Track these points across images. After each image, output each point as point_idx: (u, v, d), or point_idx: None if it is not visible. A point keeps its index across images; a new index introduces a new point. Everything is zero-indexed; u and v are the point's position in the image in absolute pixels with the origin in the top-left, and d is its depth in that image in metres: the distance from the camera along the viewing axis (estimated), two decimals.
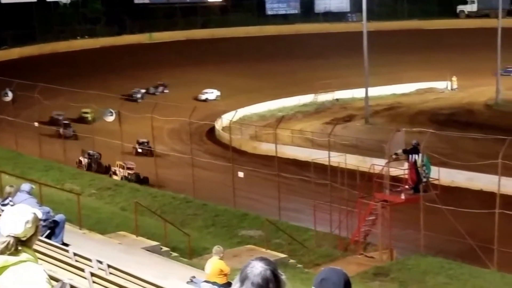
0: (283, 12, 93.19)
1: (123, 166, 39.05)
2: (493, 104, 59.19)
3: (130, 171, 38.72)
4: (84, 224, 21.15)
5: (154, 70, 66.14)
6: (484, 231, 25.24)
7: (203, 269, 15.46)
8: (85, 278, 9.05)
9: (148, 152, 42.43)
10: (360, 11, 59.54)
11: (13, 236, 3.84)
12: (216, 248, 14.94)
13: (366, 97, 55.36)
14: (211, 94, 62.77)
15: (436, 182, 26.75)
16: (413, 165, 25.86)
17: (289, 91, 62.10)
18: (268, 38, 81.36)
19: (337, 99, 64.33)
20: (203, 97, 61.97)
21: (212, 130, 51.23)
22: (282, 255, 23.40)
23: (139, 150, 43.78)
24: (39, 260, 4.49)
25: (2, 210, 11.80)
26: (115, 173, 38.84)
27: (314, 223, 28.70)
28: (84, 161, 40.45)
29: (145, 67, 66.90)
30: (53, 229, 13.61)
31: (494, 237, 23.89)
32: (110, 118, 42.93)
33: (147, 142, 43.22)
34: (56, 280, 7.55)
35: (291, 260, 23.90)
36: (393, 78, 64.85)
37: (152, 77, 64.34)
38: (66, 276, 8.84)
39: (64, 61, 68.46)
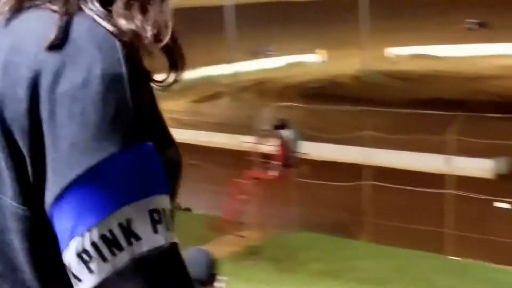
0: None
1: None
2: (361, 76, 59.92)
3: None
4: None
5: None
6: (355, 204, 25.18)
7: None
8: None
9: None
10: None
11: None
12: None
13: (233, 74, 54.82)
14: None
15: (306, 157, 26.51)
16: (283, 141, 25.48)
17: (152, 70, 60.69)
18: None
19: (203, 77, 63.41)
20: None
21: None
22: None
23: None
24: None
25: None
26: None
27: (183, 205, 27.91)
28: None
29: None
30: None
31: (365, 209, 23.94)
32: None
33: None
34: None
35: None
36: (261, 52, 64.61)
37: None
38: None
39: None
